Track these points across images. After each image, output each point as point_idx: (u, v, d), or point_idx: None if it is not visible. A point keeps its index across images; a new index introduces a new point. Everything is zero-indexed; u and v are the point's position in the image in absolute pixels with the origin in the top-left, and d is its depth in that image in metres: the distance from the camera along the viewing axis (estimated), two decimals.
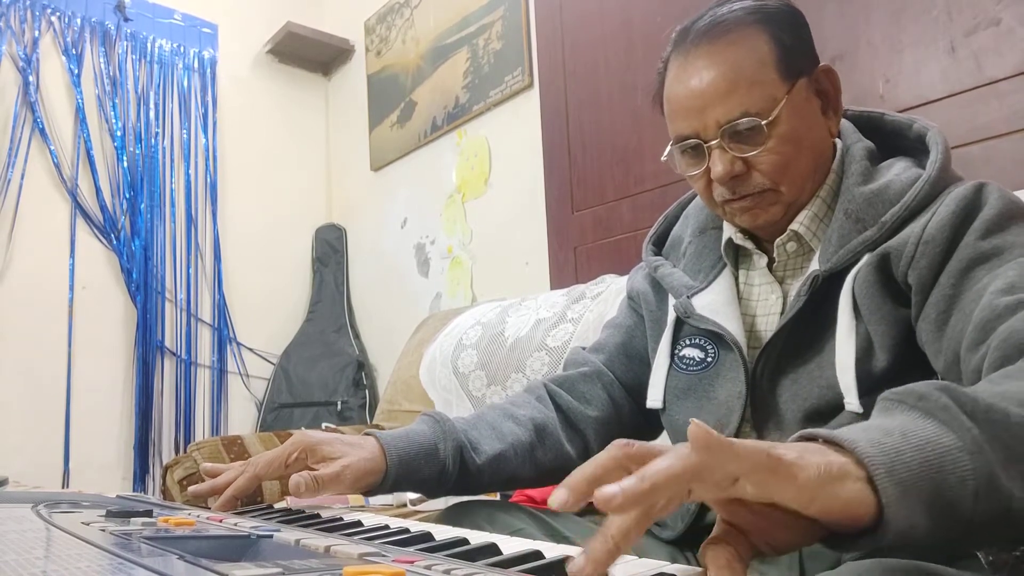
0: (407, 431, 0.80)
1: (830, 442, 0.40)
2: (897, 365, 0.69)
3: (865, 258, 0.71)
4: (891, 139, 0.80)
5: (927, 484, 0.39)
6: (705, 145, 0.76)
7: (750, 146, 0.74)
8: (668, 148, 0.81)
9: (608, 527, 0.37)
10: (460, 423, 0.83)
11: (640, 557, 0.43)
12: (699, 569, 0.38)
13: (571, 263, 2.03)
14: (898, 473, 0.39)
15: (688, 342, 0.84)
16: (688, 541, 0.80)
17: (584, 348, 0.98)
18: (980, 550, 0.62)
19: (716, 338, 0.80)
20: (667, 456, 0.37)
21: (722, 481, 0.36)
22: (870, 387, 0.68)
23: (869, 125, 0.82)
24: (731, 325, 0.78)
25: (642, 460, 0.39)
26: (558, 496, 0.39)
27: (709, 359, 0.81)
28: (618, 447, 0.40)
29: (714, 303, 0.81)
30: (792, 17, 0.77)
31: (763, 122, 0.73)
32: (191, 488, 0.79)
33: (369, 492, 0.76)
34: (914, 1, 1.36)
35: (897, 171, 0.75)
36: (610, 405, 0.91)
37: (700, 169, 0.77)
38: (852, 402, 0.68)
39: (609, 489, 0.35)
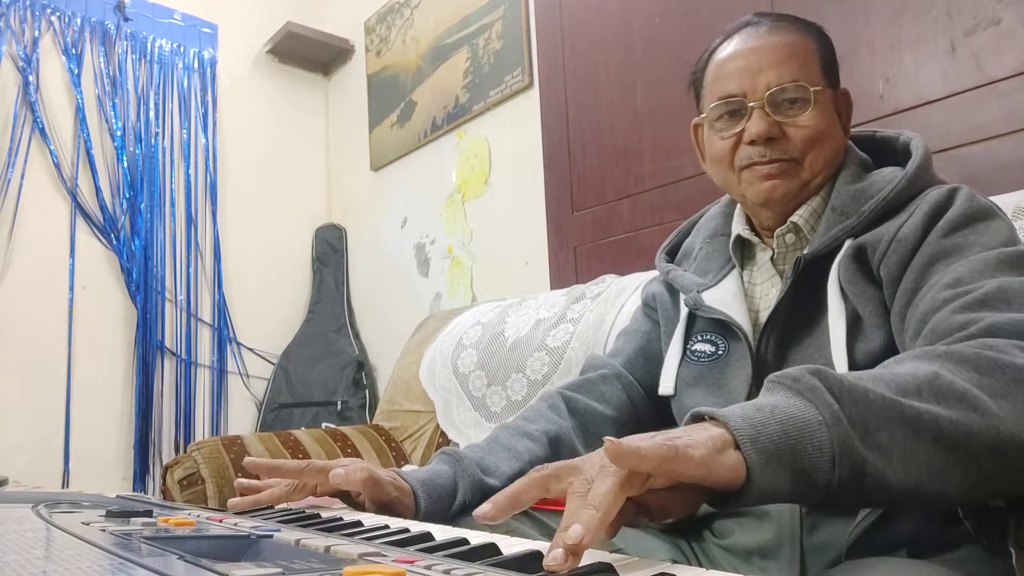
0: (430, 474, 0.79)
1: (713, 418, 0.48)
2: (889, 343, 0.73)
3: (847, 244, 0.77)
4: (883, 153, 0.87)
5: (787, 452, 0.47)
6: (749, 104, 0.81)
7: (790, 115, 0.80)
8: (704, 112, 0.86)
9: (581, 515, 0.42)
10: (475, 452, 0.83)
11: (640, 558, 0.43)
12: (700, 570, 0.38)
13: (571, 263, 2.03)
14: (761, 443, 0.46)
15: (700, 337, 0.88)
16: (684, 529, 0.82)
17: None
18: (842, 508, 0.67)
19: (725, 329, 0.85)
20: (600, 477, 0.43)
21: (639, 482, 0.44)
22: (863, 365, 0.71)
23: (865, 142, 0.89)
24: (737, 315, 0.83)
25: (559, 478, 0.48)
26: (483, 509, 0.48)
27: (720, 351, 0.85)
28: (535, 470, 0.49)
29: (723, 297, 0.86)
30: (830, 42, 0.86)
31: (813, 89, 0.79)
32: (232, 502, 0.75)
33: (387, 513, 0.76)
34: (914, 1, 1.36)
35: (883, 173, 0.82)
36: (629, 406, 0.94)
37: (734, 130, 0.83)
38: None
39: (575, 531, 0.40)
